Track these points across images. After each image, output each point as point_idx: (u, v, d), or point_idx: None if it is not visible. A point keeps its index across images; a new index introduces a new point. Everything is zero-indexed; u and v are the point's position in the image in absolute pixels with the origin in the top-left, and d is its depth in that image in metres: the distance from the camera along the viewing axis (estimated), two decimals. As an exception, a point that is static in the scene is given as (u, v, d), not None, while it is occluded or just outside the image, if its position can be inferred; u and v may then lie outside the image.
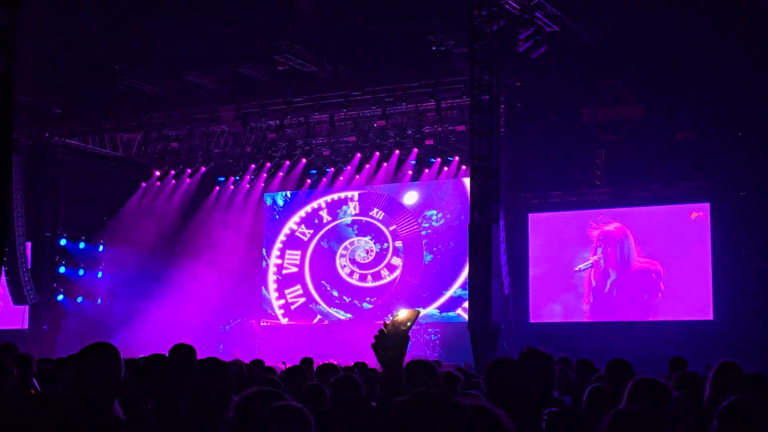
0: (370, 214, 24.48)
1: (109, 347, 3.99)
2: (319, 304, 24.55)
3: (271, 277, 24.99)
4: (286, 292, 24.73)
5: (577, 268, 21.30)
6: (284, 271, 24.91)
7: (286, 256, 24.94)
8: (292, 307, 24.57)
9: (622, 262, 21.18)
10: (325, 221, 24.92)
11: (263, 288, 25.28)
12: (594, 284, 21.32)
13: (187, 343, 6.30)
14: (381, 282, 24.02)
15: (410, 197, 24.10)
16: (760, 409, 3.72)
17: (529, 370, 4.81)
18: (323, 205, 24.91)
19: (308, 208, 25.05)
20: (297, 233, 24.98)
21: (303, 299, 24.56)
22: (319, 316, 24.29)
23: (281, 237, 25.17)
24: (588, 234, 21.43)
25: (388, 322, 3.16)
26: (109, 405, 3.85)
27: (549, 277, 21.66)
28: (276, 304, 24.89)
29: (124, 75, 21.01)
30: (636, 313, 20.72)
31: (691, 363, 8.45)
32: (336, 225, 24.87)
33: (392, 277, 23.94)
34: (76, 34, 18.62)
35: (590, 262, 21.26)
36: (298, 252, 24.86)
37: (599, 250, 21.36)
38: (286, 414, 3.02)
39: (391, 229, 24.15)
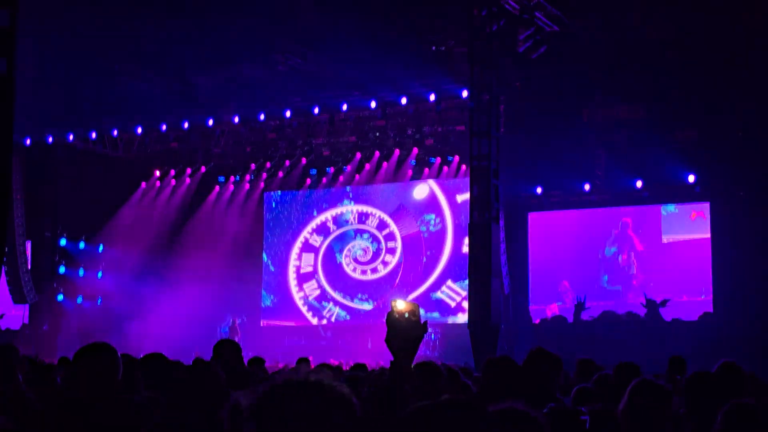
0: (370, 214, 24.48)
1: (106, 347, 3.96)
2: (330, 302, 24.58)
3: (291, 276, 25.04)
4: (305, 285, 24.88)
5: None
6: (302, 271, 25.03)
7: (303, 258, 25.05)
8: (310, 298, 24.64)
9: (622, 262, 21.20)
10: (329, 226, 24.95)
11: (263, 291, 25.30)
12: (593, 284, 21.34)
13: (231, 340, 6.24)
14: (378, 277, 24.04)
15: (410, 197, 24.09)
16: (763, 411, 3.72)
17: (535, 370, 4.83)
18: (329, 217, 24.97)
19: (311, 212, 25.13)
20: (308, 239, 25.06)
21: (318, 292, 24.60)
22: (332, 312, 24.35)
23: (298, 243, 25.20)
24: (600, 233, 21.47)
25: (391, 311, 3.12)
26: (106, 405, 3.82)
27: (549, 276, 21.65)
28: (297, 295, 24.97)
29: (124, 75, 21.00)
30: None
31: (691, 363, 8.44)
32: (336, 224, 24.87)
33: (389, 273, 23.94)
34: (76, 34, 18.60)
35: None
36: (311, 254, 24.98)
37: (609, 249, 21.41)
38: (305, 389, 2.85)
39: (390, 229, 24.15)
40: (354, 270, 24.42)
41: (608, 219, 21.43)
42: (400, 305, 3.15)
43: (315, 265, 24.87)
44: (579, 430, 4.12)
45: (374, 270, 24.21)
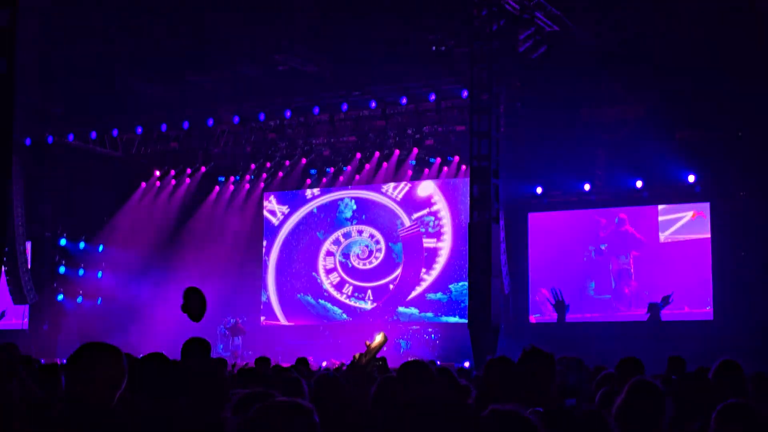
0: (369, 214, 24.46)
1: (109, 348, 3.91)
2: (321, 300, 24.55)
3: (290, 275, 25.00)
4: (303, 285, 24.80)
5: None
6: (296, 270, 24.92)
7: (298, 257, 24.99)
8: (309, 298, 24.61)
9: (621, 262, 21.19)
10: (326, 223, 24.93)
11: (262, 290, 25.28)
12: (593, 284, 21.32)
13: (201, 337, 6.21)
14: (378, 277, 24.03)
15: (410, 198, 24.08)
16: (759, 411, 3.72)
17: (530, 369, 4.84)
18: (321, 208, 24.94)
19: (309, 208, 25.06)
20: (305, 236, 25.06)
21: (315, 291, 24.56)
22: (331, 311, 24.33)
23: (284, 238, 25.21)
24: (592, 232, 21.45)
25: (368, 343, 3.50)
26: (108, 406, 3.81)
27: (549, 277, 21.63)
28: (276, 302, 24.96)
29: (124, 75, 21.00)
30: (635, 313, 20.71)
31: (691, 363, 8.44)
32: (336, 223, 24.84)
33: (388, 273, 23.92)
34: (76, 35, 18.61)
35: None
36: (308, 253, 24.95)
37: (599, 248, 21.39)
38: (290, 410, 2.95)
39: (389, 229, 24.12)
40: (353, 270, 24.40)
41: (608, 219, 21.41)
42: (378, 339, 3.66)
43: (313, 264, 24.86)
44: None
45: (374, 270, 24.19)
